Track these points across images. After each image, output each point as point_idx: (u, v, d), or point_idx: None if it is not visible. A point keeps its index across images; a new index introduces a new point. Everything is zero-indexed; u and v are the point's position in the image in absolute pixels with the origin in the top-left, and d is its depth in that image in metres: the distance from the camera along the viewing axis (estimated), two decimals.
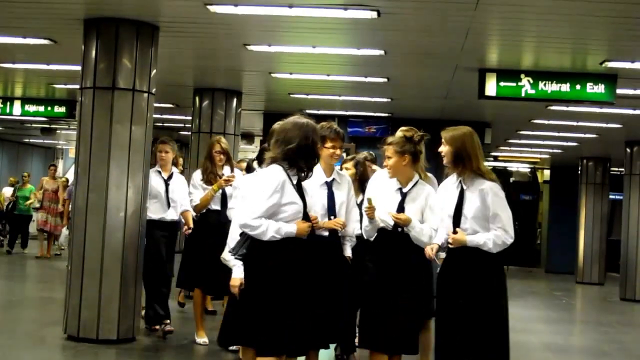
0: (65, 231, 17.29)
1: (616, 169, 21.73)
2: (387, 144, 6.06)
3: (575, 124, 14.59)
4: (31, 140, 28.56)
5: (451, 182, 5.80)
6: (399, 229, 5.93)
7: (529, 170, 27.44)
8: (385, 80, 11.21)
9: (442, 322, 5.72)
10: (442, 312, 5.74)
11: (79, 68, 8.57)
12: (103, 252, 8.19)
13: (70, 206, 14.37)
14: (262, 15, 7.80)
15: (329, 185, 6.15)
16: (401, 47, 9.27)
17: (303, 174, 5.27)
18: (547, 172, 25.78)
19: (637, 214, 16.87)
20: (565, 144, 18.03)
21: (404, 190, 6.04)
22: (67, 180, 19.08)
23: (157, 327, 8.67)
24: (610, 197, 21.85)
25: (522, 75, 9.87)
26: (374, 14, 7.47)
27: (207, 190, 8.31)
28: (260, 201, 5.09)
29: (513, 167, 26.91)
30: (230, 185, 8.31)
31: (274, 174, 5.14)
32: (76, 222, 8.37)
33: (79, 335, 8.20)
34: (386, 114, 15.06)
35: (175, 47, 9.57)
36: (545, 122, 14.30)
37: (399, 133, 6.14)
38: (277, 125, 5.43)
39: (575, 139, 17.14)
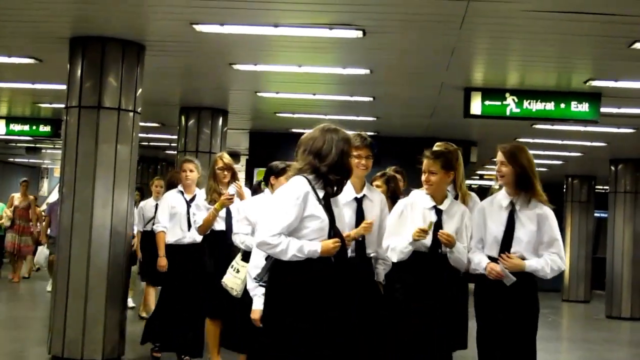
0: (45, 250, 15.82)
1: (601, 186, 21.83)
2: (432, 157, 5.68)
3: (560, 142, 14.66)
4: (16, 160, 28.45)
5: (498, 202, 5.55)
6: (439, 250, 5.57)
7: None
8: (371, 99, 11.24)
9: (486, 349, 5.50)
10: (486, 338, 5.50)
11: (64, 87, 8.56)
12: (88, 272, 8.14)
13: (51, 223, 14.19)
14: (248, 35, 7.82)
15: (359, 202, 5.56)
16: (387, 66, 9.30)
17: (331, 189, 4.66)
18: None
19: (622, 232, 16.92)
20: (550, 162, 18.09)
21: (441, 207, 5.69)
22: (36, 199, 18.66)
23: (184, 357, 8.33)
24: (596, 214, 21.93)
25: (507, 94, 9.91)
26: (360, 34, 7.49)
27: (210, 210, 7.77)
28: (279, 215, 4.48)
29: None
30: (233, 202, 7.75)
31: (295, 185, 4.56)
32: (61, 241, 8.33)
33: (64, 356, 8.14)
34: (372, 133, 15.08)
35: (161, 66, 9.57)
36: (530, 140, 14.34)
37: (440, 148, 5.98)
38: (304, 135, 4.84)
39: (560, 157, 17.21)
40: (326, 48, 8.51)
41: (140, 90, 8.55)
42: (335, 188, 4.67)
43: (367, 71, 9.31)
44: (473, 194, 6.38)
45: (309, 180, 4.58)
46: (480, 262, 5.46)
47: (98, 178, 8.22)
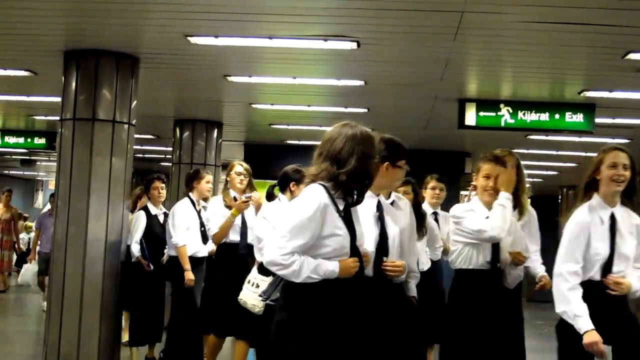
0: (31, 266, 14.64)
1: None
2: (495, 162, 5.54)
3: (555, 153, 14.67)
4: (11, 172, 28.45)
5: (595, 215, 4.78)
6: (499, 266, 5.36)
7: None
8: (366, 110, 11.24)
9: None
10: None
11: (59, 99, 8.55)
12: (83, 285, 8.11)
13: (39, 237, 13.75)
14: (243, 47, 7.82)
15: (380, 209, 4.79)
16: (381, 78, 9.31)
17: (351, 199, 4.07)
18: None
19: None
20: (545, 172, 18.11)
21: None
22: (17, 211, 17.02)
23: None
24: None
25: (502, 105, 9.93)
26: (354, 45, 7.50)
27: (226, 217, 7.60)
28: (293, 232, 3.87)
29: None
30: (249, 205, 7.59)
31: (313, 196, 3.94)
32: (56, 254, 8.31)
33: None
34: None
35: (156, 78, 9.57)
36: (525, 151, 14.36)
37: (504, 153, 5.83)
38: (324, 134, 4.26)
39: (555, 168, 17.23)
40: (321, 60, 8.52)
41: (134, 103, 8.55)
42: (355, 197, 4.10)
43: (362, 83, 9.31)
44: (530, 207, 6.22)
45: (327, 189, 3.99)
46: (580, 320, 4.54)
47: (93, 190, 8.20)
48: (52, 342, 8.16)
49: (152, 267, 8.62)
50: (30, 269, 14.70)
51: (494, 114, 9.94)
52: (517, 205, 5.91)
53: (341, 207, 4.03)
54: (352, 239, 4.02)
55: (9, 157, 21.60)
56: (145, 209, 8.88)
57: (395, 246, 4.63)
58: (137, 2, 6.74)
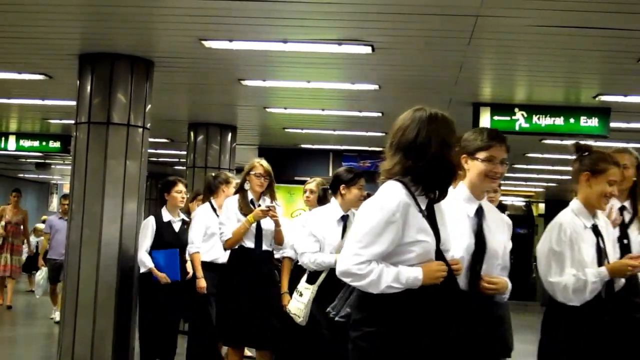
0: (44, 273, 13.34)
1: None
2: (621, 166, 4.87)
3: (569, 157, 14.57)
4: (26, 176, 28.56)
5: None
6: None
7: (523, 203, 27.44)
8: (380, 114, 11.23)
9: None
10: None
11: (73, 103, 8.58)
12: (97, 288, 8.13)
13: (49, 241, 12.99)
14: (257, 51, 7.83)
15: (479, 214, 3.97)
16: (395, 82, 9.30)
17: (433, 195, 3.52)
18: (542, 206, 25.81)
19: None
20: (559, 177, 18.04)
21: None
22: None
23: None
24: None
25: (516, 109, 9.90)
26: (369, 49, 7.50)
27: (241, 223, 6.94)
28: (369, 237, 3.36)
29: (508, 200, 26.92)
30: (273, 217, 6.92)
31: (390, 195, 3.40)
32: (70, 257, 8.33)
33: None
34: (381, 148, 15.01)
35: (170, 82, 9.60)
36: (540, 155, 14.33)
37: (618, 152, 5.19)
38: (394, 123, 3.78)
39: (569, 173, 17.14)
40: (335, 64, 8.51)
41: (149, 106, 8.57)
42: (437, 193, 3.53)
43: (376, 87, 9.31)
44: None
45: (406, 186, 3.44)
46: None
47: (107, 194, 8.22)
48: (66, 344, 8.17)
49: (169, 280, 7.89)
50: (43, 276, 13.36)
51: (508, 118, 9.91)
52: (636, 214, 5.25)
53: (423, 206, 3.47)
54: (437, 242, 3.48)
55: (24, 160, 21.69)
56: (157, 214, 8.17)
57: (497, 259, 3.94)
58: (152, 7, 6.76)
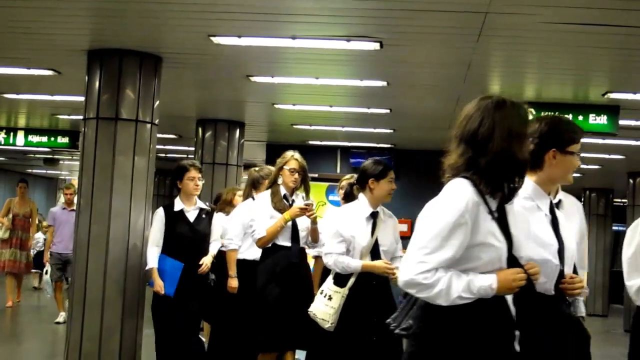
0: (45, 275, 12.67)
1: (619, 200, 21.72)
2: None
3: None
4: (34, 171, 28.62)
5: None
6: None
7: None
8: (388, 111, 11.22)
9: None
10: None
11: (82, 99, 8.59)
12: (105, 284, 8.14)
13: (54, 235, 12.33)
14: (265, 47, 7.83)
15: (553, 210, 3.68)
16: (404, 79, 9.29)
17: (502, 194, 3.18)
18: None
19: None
20: None
21: None
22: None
23: None
24: (614, 228, 21.79)
25: (525, 107, 9.85)
26: (377, 46, 7.49)
27: (276, 220, 6.57)
28: (435, 242, 3.01)
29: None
30: (311, 216, 6.61)
31: (458, 194, 3.07)
32: (78, 253, 8.34)
33: None
34: (389, 145, 15.08)
35: (179, 78, 9.60)
36: None
37: None
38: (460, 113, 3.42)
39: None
40: (343, 60, 8.51)
41: (157, 102, 8.57)
42: (508, 192, 3.19)
43: (384, 83, 9.30)
44: None
45: (474, 184, 3.11)
46: None
47: (115, 189, 8.23)
48: (73, 340, 8.19)
49: (163, 292, 7.37)
50: (47, 279, 12.66)
51: None
52: None
53: (494, 207, 3.14)
54: (509, 247, 3.14)
55: (32, 156, 21.74)
56: (168, 205, 7.69)
57: (572, 253, 3.65)
58: (160, 2, 6.76)
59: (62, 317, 11.97)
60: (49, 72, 9.60)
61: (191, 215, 7.56)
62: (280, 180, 6.76)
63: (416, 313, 3.16)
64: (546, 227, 3.54)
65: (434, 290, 3.00)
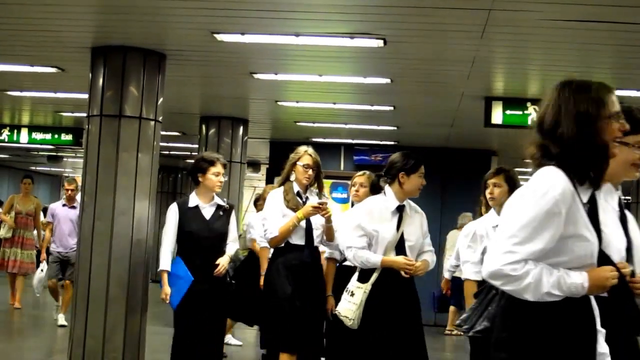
0: (39, 272, 12.25)
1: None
2: None
3: None
4: (38, 168, 28.65)
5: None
6: None
7: None
8: (392, 108, 11.22)
9: None
10: None
11: (86, 96, 8.60)
12: (108, 280, 8.15)
13: (53, 232, 11.76)
14: (269, 44, 7.83)
15: (621, 206, 3.53)
16: (407, 76, 9.29)
17: (591, 183, 2.93)
18: None
19: None
20: None
21: None
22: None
23: None
24: None
25: (529, 104, 9.86)
26: (381, 43, 7.48)
27: (289, 219, 6.27)
28: (526, 231, 2.79)
29: None
30: (326, 215, 6.29)
31: (551, 182, 2.83)
32: (82, 250, 8.35)
33: None
34: (392, 142, 15.07)
35: (182, 75, 9.60)
36: None
37: None
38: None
39: None
40: (347, 57, 8.51)
41: (161, 99, 8.57)
42: (596, 183, 2.95)
43: (388, 80, 9.30)
44: None
45: (567, 173, 2.86)
46: None
47: (119, 187, 8.24)
48: (77, 336, 8.20)
49: (168, 300, 6.74)
50: (40, 277, 12.17)
51: (520, 112, 9.88)
52: None
53: (585, 199, 2.89)
54: (599, 242, 2.89)
55: (36, 153, 21.77)
56: (182, 201, 6.98)
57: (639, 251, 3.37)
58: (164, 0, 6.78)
59: (61, 318, 11.46)
60: (53, 69, 9.61)
61: (207, 212, 6.84)
62: (292, 177, 6.51)
63: (497, 315, 2.92)
64: (616, 224, 3.30)
65: (522, 283, 2.76)
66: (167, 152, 18.84)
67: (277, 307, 6.26)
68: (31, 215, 13.45)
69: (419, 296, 5.82)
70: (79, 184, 10.26)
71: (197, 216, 6.80)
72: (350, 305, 5.58)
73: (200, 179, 6.78)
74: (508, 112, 9.88)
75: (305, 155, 6.48)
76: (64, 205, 11.96)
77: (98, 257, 8.18)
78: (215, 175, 6.72)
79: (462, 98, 10.20)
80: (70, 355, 8.32)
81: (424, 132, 13.65)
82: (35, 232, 13.73)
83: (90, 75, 8.46)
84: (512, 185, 5.76)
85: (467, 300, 5.84)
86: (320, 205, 6.22)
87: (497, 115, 9.88)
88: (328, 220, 6.36)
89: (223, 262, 6.80)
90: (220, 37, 7.59)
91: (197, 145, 13.52)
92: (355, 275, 5.73)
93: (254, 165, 20.00)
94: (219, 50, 8.21)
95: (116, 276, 8.17)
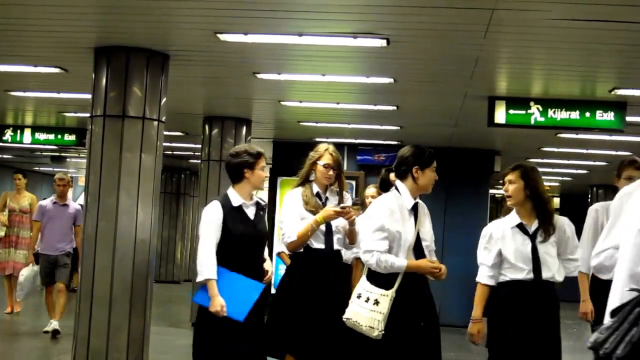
0: (24, 273, 11.02)
1: None
2: None
3: (584, 151, 14.57)
4: (41, 169, 28.64)
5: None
6: None
7: None
8: (395, 108, 11.21)
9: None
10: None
11: (89, 96, 8.61)
12: (112, 280, 8.16)
13: (40, 233, 11.01)
14: (272, 44, 7.82)
15: None
16: (411, 75, 9.28)
17: None
18: (556, 200, 25.72)
19: None
20: (574, 171, 17.99)
21: None
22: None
23: None
24: None
25: (532, 103, 9.85)
26: (384, 42, 7.48)
27: (308, 222, 5.88)
28: None
29: None
30: (350, 218, 5.92)
31: None
32: (85, 250, 8.36)
33: None
34: (396, 142, 15.06)
35: (185, 75, 9.61)
36: (555, 149, 14.28)
37: None
38: None
39: (584, 167, 17.10)
40: (350, 57, 8.51)
41: (164, 100, 8.58)
42: None
43: (391, 80, 9.29)
44: None
45: None
46: None
47: (122, 187, 8.25)
48: (81, 336, 8.21)
49: (225, 313, 5.47)
50: (27, 276, 10.93)
51: (523, 112, 9.87)
52: None
53: None
54: None
55: (39, 153, 21.76)
56: (224, 199, 5.79)
57: None
58: (167, 0, 6.78)
59: (52, 325, 10.74)
60: (56, 70, 9.61)
61: (250, 212, 5.84)
62: (312, 177, 6.12)
63: (638, 337, 2.44)
64: None
65: None
66: (171, 153, 18.84)
67: (287, 310, 5.93)
68: (26, 212, 12.55)
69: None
70: (70, 179, 10.20)
71: (243, 217, 5.78)
72: (374, 314, 5.06)
73: (246, 175, 5.77)
74: (511, 111, 9.87)
75: (326, 154, 6.10)
76: (54, 202, 11.18)
77: (102, 257, 8.19)
78: (262, 170, 5.85)
79: (465, 98, 10.19)
80: (74, 356, 8.33)
81: (427, 132, 13.64)
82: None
83: (94, 75, 8.47)
84: (529, 182, 5.51)
85: (476, 307, 5.60)
86: (343, 210, 5.84)
87: (501, 114, 9.87)
88: (351, 223, 5.98)
89: (271, 269, 5.93)
90: (223, 37, 7.59)
91: (200, 146, 13.52)
92: (364, 279, 5.25)
93: None
94: (222, 50, 8.21)
95: (120, 276, 8.18)
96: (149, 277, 8.39)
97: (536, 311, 5.35)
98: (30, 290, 10.98)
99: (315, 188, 6.11)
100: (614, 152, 14.37)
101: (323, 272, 5.94)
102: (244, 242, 5.69)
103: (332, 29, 7.38)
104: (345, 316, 5.21)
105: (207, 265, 5.48)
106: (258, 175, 5.77)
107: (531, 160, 16.26)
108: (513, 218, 5.61)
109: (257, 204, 5.84)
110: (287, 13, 6.90)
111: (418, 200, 5.39)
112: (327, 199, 6.11)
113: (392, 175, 5.70)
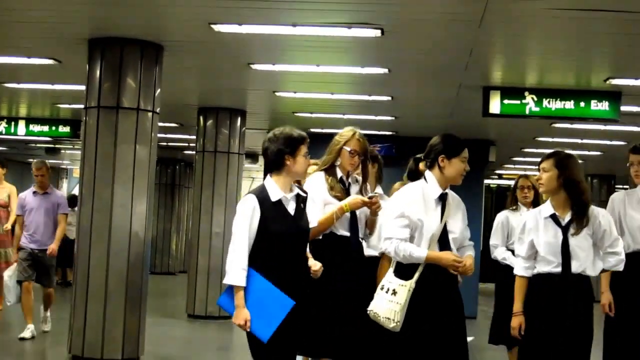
0: (9, 273, 10.06)
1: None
2: None
3: (579, 141, 14.58)
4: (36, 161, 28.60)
5: None
6: None
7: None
8: (389, 98, 11.20)
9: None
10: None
11: (83, 88, 8.59)
12: (107, 273, 8.16)
13: (24, 228, 10.08)
14: (266, 35, 7.81)
15: None
16: (405, 66, 9.27)
17: None
18: None
19: None
20: None
21: None
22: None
23: None
24: None
25: (526, 93, 9.85)
26: (378, 33, 7.47)
27: (331, 209, 5.52)
28: None
29: None
30: (377, 209, 5.62)
31: None
32: (80, 243, 8.35)
33: (84, 355, 8.17)
34: (390, 133, 15.05)
35: (180, 66, 9.59)
36: (550, 139, 14.28)
37: None
38: None
39: (579, 157, 17.05)
40: (344, 47, 8.49)
41: (158, 91, 8.56)
42: None
43: (386, 70, 9.28)
44: None
45: None
46: None
47: (117, 178, 8.24)
48: (77, 329, 8.21)
49: (247, 327, 4.78)
50: (12, 276, 10.03)
51: (518, 102, 9.87)
52: None
53: None
54: None
55: (33, 145, 21.74)
56: (262, 193, 4.92)
57: None
58: None
59: (29, 330, 9.94)
60: (50, 61, 9.58)
61: (291, 207, 5.01)
62: (337, 162, 5.74)
63: None
64: None
65: None
66: (165, 144, 18.81)
67: (327, 307, 5.44)
68: (5, 206, 11.10)
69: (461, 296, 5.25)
70: (48, 166, 10.06)
71: (283, 213, 4.96)
72: (392, 305, 4.89)
73: (288, 162, 4.97)
74: (506, 101, 9.86)
75: (353, 139, 5.72)
76: (34, 192, 10.18)
77: (97, 249, 8.19)
78: (305, 157, 5.07)
79: (460, 88, 10.18)
80: (69, 348, 8.33)
81: (422, 122, 13.63)
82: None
83: (88, 67, 8.45)
84: (564, 171, 5.31)
85: (516, 300, 5.34)
86: (370, 200, 5.53)
87: (495, 105, 9.86)
88: (374, 213, 5.66)
89: (319, 263, 5.12)
90: (217, 27, 7.58)
91: (195, 137, 13.51)
92: (391, 271, 5.06)
93: (252, 157, 19.98)
94: (216, 41, 8.19)
95: (115, 268, 8.18)
96: (144, 269, 8.39)
97: (565, 305, 5.14)
98: (19, 290, 10.02)
99: (339, 173, 5.76)
100: (608, 142, 14.39)
101: (350, 263, 5.57)
102: (284, 241, 4.92)
103: (327, 19, 7.36)
104: (369, 308, 5.07)
105: (235, 269, 4.76)
106: (299, 164, 5.02)
107: (526, 150, 16.27)
108: (547, 208, 5.34)
109: (298, 196, 5.07)
110: (281, 3, 6.88)
111: (448, 191, 5.21)
112: (349, 184, 5.77)
113: (421, 165, 5.58)
